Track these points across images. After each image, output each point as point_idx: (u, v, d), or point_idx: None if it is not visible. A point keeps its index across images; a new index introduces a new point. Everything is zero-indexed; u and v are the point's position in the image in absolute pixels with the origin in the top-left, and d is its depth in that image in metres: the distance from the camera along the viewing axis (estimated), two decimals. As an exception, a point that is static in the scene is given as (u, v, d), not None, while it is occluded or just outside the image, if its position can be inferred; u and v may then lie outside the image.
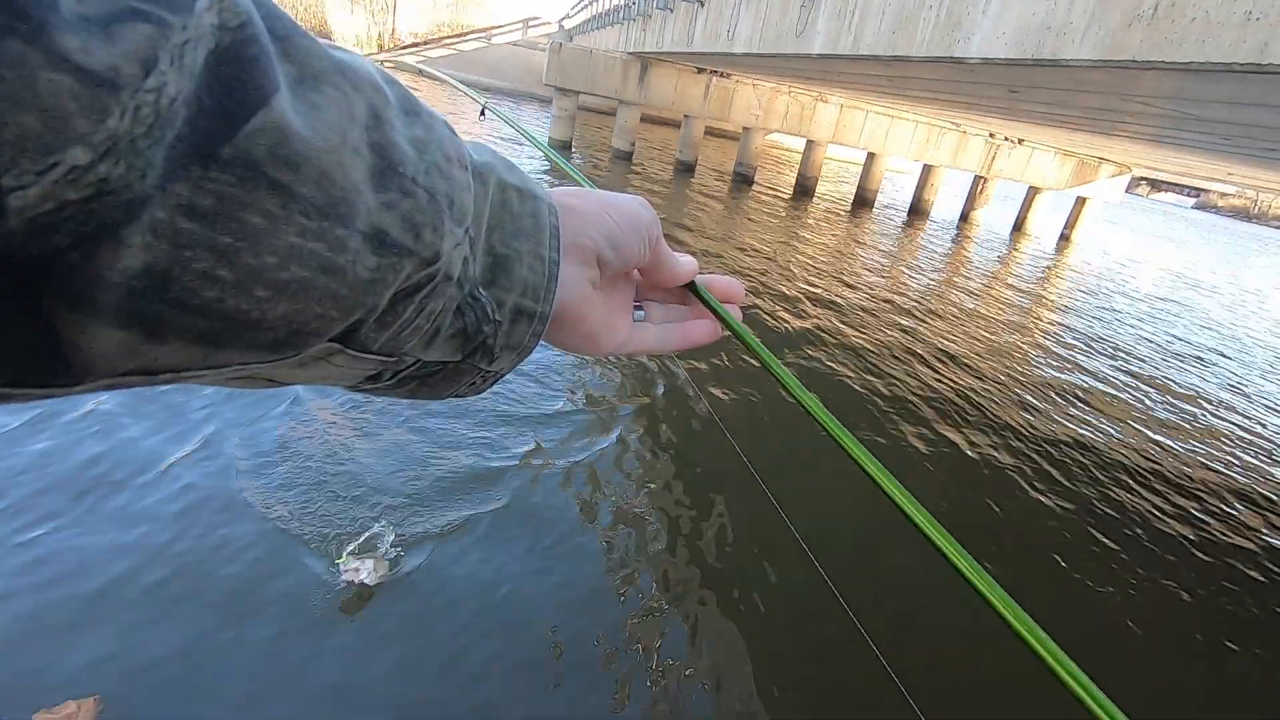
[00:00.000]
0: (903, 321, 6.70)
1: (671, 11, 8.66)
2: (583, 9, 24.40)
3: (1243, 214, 58.45)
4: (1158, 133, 6.03)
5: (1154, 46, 1.99)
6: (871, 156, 15.08)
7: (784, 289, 6.91)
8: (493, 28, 31.16)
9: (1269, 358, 9.41)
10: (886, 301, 7.33)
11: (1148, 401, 6.17)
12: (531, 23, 32.10)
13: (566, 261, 0.35)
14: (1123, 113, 4.92)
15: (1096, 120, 6.03)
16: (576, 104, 14.01)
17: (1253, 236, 42.27)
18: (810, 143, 14.60)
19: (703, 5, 7.20)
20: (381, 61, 28.11)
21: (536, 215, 0.32)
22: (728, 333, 0.44)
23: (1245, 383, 7.68)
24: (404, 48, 29.49)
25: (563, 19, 31.93)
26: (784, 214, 12.13)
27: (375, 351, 0.27)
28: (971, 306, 8.08)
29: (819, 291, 7.11)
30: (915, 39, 3.21)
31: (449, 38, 29.47)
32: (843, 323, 6.21)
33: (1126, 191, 23.03)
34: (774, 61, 6.12)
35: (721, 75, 13.24)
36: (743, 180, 14.67)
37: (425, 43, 29.31)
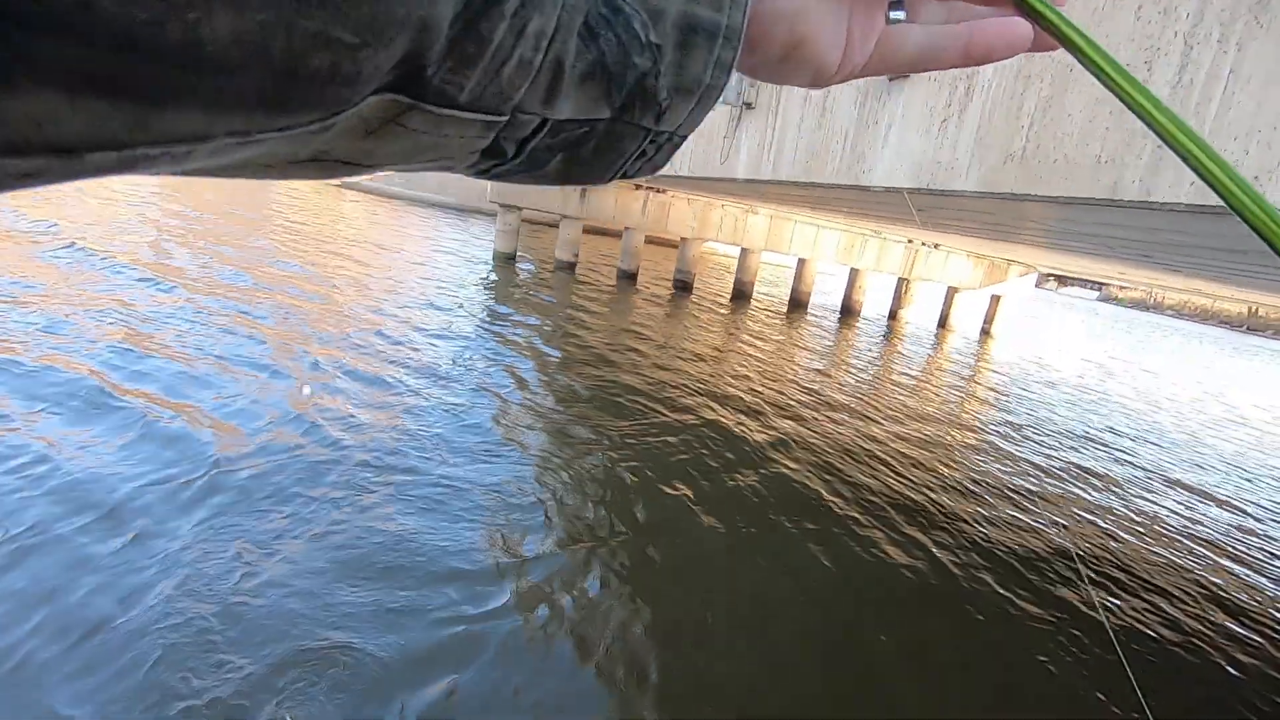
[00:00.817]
0: (847, 419, 6.91)
1: (608, 137, 9.26)
2: (525, 131, 25.85)
3: (1141, 304, 63.53)
4: (1051, 242, 6.65)
5: (1026, 182, 2.26)
6: (802, 262, 15.98)
7: (731, 391, 7.08)
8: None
9: (1178, 437, 10.00)
10: (829, 400, 7.58)
11: (1088, 489, 6.43)
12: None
13: None
14: (1018, 227, 5.44)
15: (997, 231, 6.62)
16: (520, 218, 14.55)
17: (1152, 325, 45.72)
18: (744, 250, 15.42)
19: (636, 132, 7.75)
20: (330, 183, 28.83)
21: None
22: (1049, 46, 0.28)
23: (1169, 466, 8.11)
24: (351, 167, 30.37)
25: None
26: (725, 318, 12.59)
27: (466, 106, 0.19)
28: (912, 403, 8.42)
29: (765, 393, 7.30)
30: (826, 169, 3.53)
31: (396, 157, 30.57)
32: (788, 421, 6.36)
33: (1037, 287, 24.88)
34: (704, 182, 6.56)
35: (658, 191, 14.05)
36: (683, 287, 15.25)
37: (372, 162, 30.26)
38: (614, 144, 0.23)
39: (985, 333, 17.87)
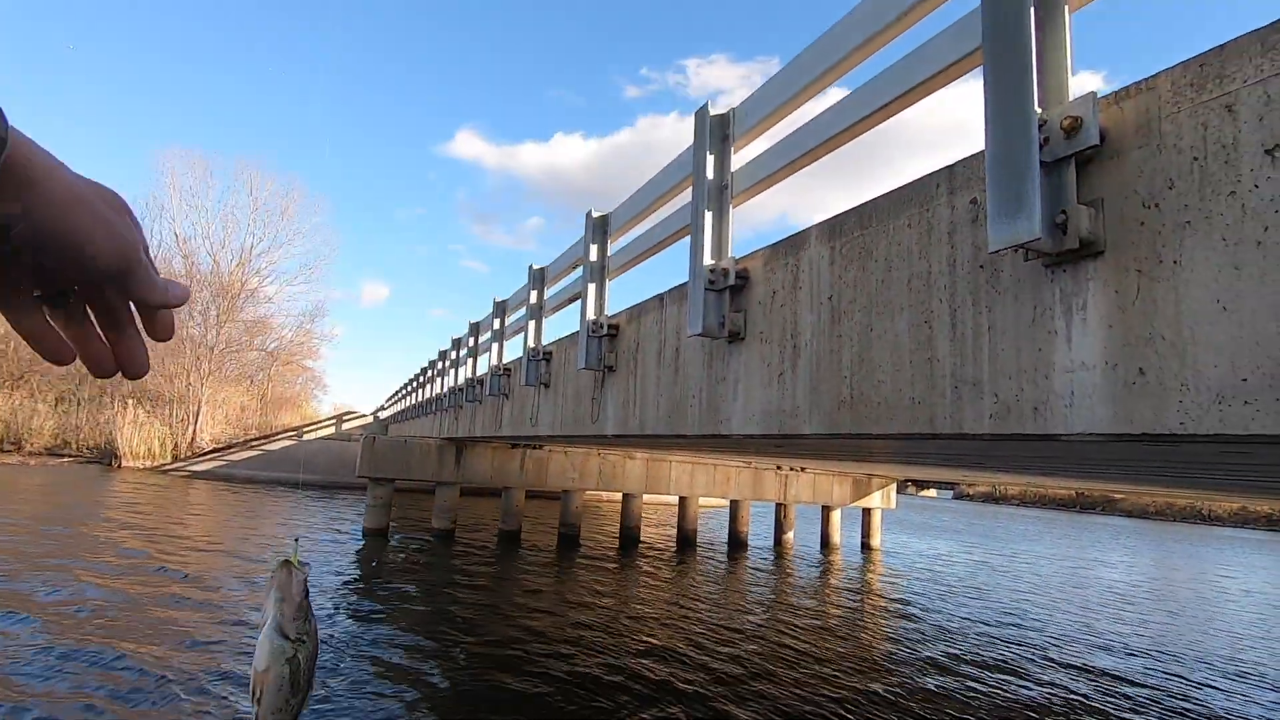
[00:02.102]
0: (751, 661, 6.54)
1: (480, 403, 9.50)
2: (396, 402, 25.90)
3: (989, 498, 69.23)
4: (900, 458, 7.29)
5: (857, 423, 2.52)
6: (683, 500, 16.24)
7: (629, 647, 6.57)
8: (304, 425, 31.57)
9: (1059, 618, 10.32)
10: (730, 644, 7.21)
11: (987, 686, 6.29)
12: (346, 417, 33.15)
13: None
14: (869, 451, 5.96)
15: (853, 456, 7.20)
16: (392, 490, 13.94)
17: (999, 514, 49.48)
18: (627, 495, 15.50)
19: (508, 398, 8.02)
20: (169, 471, 26.54)
21: None
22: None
23: (1063, 651, 8.23)
24: (203, 455, 28.40)
25: (376, 410, 33.40)
26: (614, 568, 12.15)
27: None
28: (809, 635, 8.19)
29: (665, 645, 6.84)
30: (688, 421, 3.78)
31: (255, 439, 29.10)
32: (692, 669, 5.90)
33: (899, 493, 26.61)
34: (578, 438, 6.75)
35: (535, 447, 14.21)
36: (569, 540, 14.79)
37: (228, 447, 28.56)
38: None
39: (866, 546, 18.43)
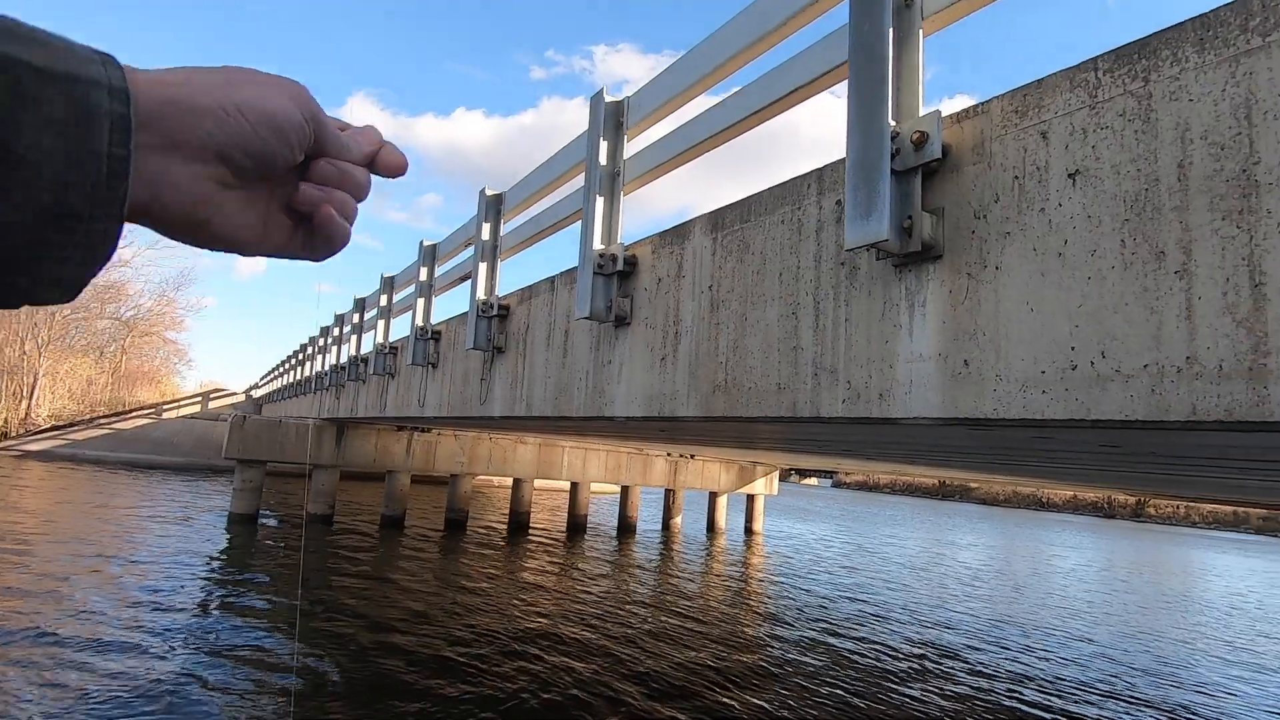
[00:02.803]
0: (635, 640, 6.72)
1: (364, 382, 9.10)
2: (272, 380, 24.28)
3: (864, 485, 74.19)
4: (781, 445, 7.69)
5: (731, 407, 2.67)
6: (575, 486, 16.31)
7: (509, 630, 6.57)
8: (164, 403, 28.95)
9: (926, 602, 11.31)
10: (614, 623, 7.37)
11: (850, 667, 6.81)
12: (214, 395, 30.68)
13: (171, 158, 0.31)
14: (753, 436, 6.26)
15: (736, 442, 7.52)
16: (264, 473, 13.10)
17: (871, 500, 53.26)
18: (518, 480, 15.37)
19: (393, 377, 7.74)
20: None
21: (79, 103, 0.27)
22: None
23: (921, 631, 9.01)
24: (39, 433, 25.39)
25: (250, 388, 31.15)
26: (502, 553, 12.05)
27: None
28: (695, 613, 8.51)
29: (550, 628, 6.89)
30: (574, 404, 3.82)
31: (104, 417, 26.35)
32: (578, 657, 6.00)
33: (782, 480, 28.01)
34: (465, 420, 6.63)
35: (423, 430, 13.78)
36: (456, 525, 14.50)
37: (70, 425, 25.70)
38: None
39: (749, 530, 19.28)
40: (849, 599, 10.57)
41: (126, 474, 21.10)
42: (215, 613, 6.76)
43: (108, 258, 0.30)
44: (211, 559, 9.37)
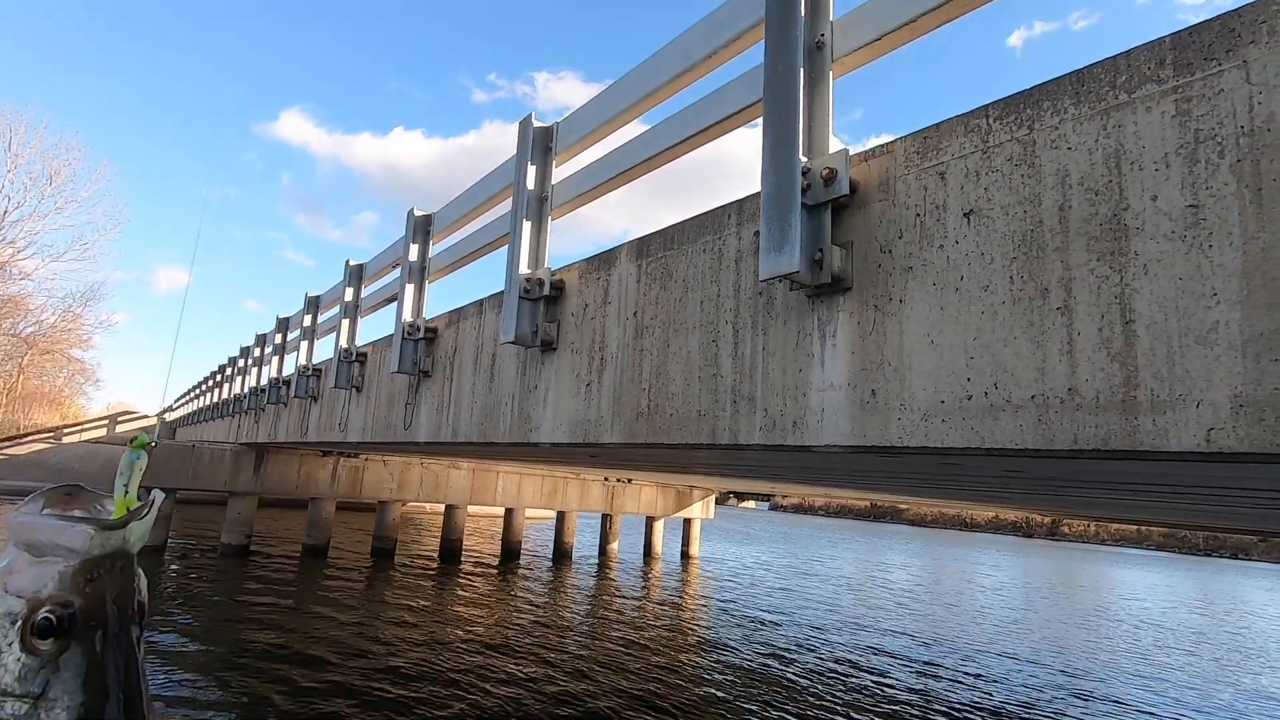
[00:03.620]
0: (566, 665, 6.56)
1: (285, 405, 8.71)
2: (187, 402, 23.00)
3: (800, 508, 75.57)
4: (713, 470, 7.75)
5: (653, 434, 2.66)
6: (510, 511, 15.97)
7: (442, 668, 6.31)
8: (65, 426, 26.94)
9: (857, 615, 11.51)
10: (546, 657, 7.19)
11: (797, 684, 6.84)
12: (122, 418, 28.79)
13: None
14: (685, 461, 6.27)
15: (669, 466, 7.53)
16: (174, 502, 12.30)
17: (806, 523, 54.23)
18: (450, 506, 14.93)
19: (316, 400, 7.44)
20: None
21: None
22: None
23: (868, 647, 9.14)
24: (-84, 458, 23.16)
25: (163, 411, 29.38)
26: (433, 582, 11.64)
27: None
28: (632, 638, 8.40)
29: (482, 665, 6.66)
30: (500, 430, 3.75)
31: (-5, 441, 24.29)
32: (514, 685, 5.80)
33: (719, 504, 28.20)
34: (390, 445, 6.41)
35: (349, 455, 13.26)
36: (383, 554, 13.94)
37: (-46, 450, 23.56)
38: None
39: (685, 555, 19.27)
40: (786, 621, 10.66)
41: (14, 504, 19.43)
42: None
43: None
44: (109, 595, 8.68)
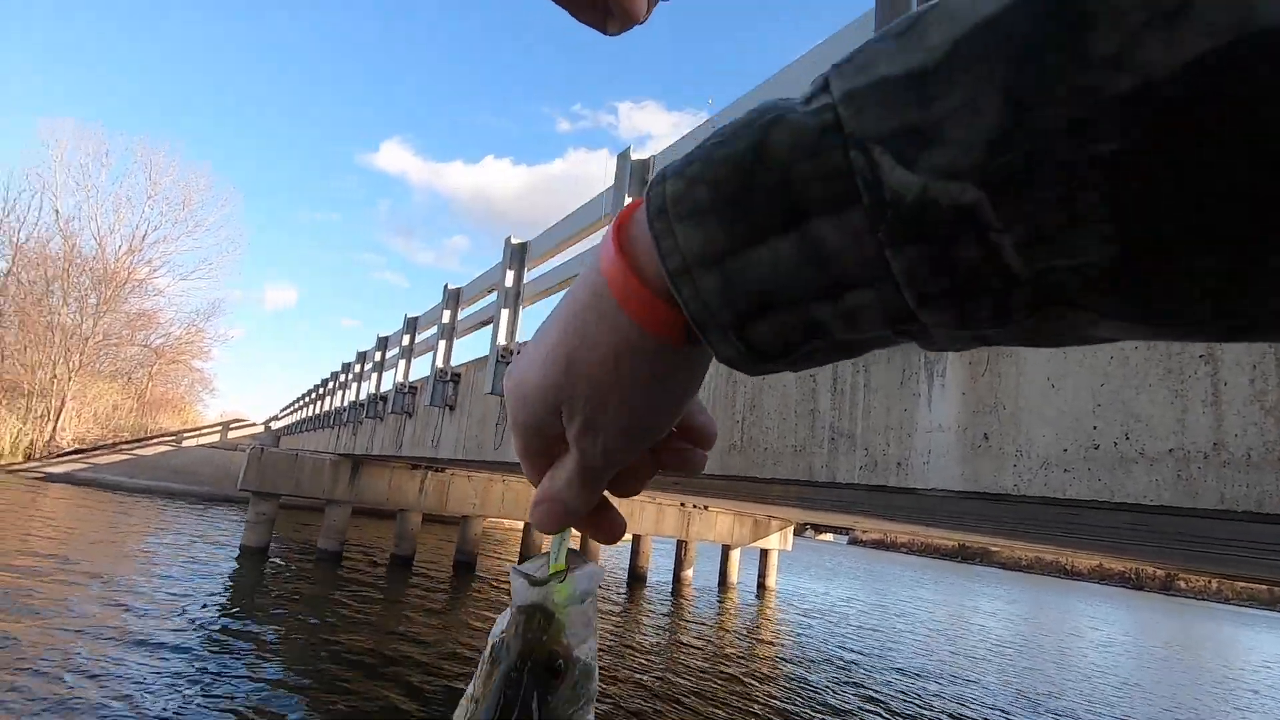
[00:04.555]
0: (653, 699, 6.51)
1: (381, 420, 9.17)
2: (292, 413, 24.54)
3: (881, 544, 72.38)
4: (795, 502, 7.58)
5: (746, 467, 2.64)
6: (587, 532, 16.10)
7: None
8: (185, 431, 29.32)
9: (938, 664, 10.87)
10: (622, 676, 7.16)
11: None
12: (234, 425, 31.04)
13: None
14: (765, 493, 6.17)
15: (750, 496, 7.43)
16: (277, 506, 13.12)
17: (888, 560, 51.87)
18: (528, 524, 15.21)
19: (411, 416, 7.80)
20: (17, 471, 23.92)
21: None
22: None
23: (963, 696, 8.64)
24: (62, 455, 25.78)
25: (269, 420, 31.48)
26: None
27: None
28: (715, 667, 8.26)
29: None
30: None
31: (126, 442, 26.73)
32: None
33: (798, 535, 27.43)
34: (481, 463, 6.63)
35: (437, 469, 13.78)
36: (465, 567, 14.33)
37: (93, 449, 26.08)
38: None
39: (762, 586, 18.80)
40: (876, 665, 10.20)
41: (145, 500, 21.26)
42: (216, 647, 6.69)
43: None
44: (220, 591, 9.33)
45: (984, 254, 0.22)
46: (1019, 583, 44.00)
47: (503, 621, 0.42)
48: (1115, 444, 1.58)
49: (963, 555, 66.93)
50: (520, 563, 0.43)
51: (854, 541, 78.34)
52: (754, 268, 0.25)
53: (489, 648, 0.41)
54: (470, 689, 0.41)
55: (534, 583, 0.41)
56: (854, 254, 0.23)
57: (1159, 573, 53.77)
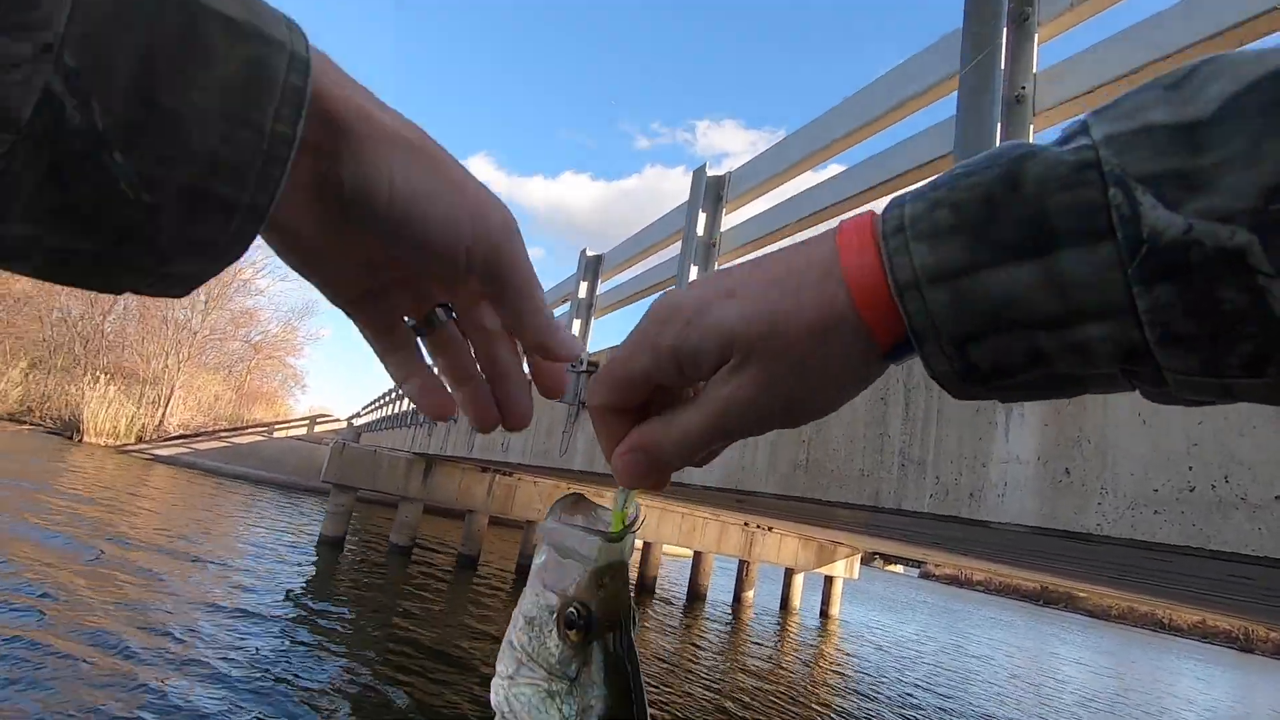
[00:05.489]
0: (699, 713, 6.44)
1: (455, 421, 9.48)
2: (372, 411, 25.69)
3: (954, 580, 68.91)
4: (863, 529, 7.34)
5: (811, 488, 2.60)
6: (648, 545, 16.09)
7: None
8: (276, 422, 31.17)
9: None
10: (678, 692, 7.10)
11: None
12: (320, 419, 32.76)
13: (320, 178, 0.25)
14: (832, 516, 6.02)
15: (815, 519, 7.25)
16: (355, 499, 13.75)
17: (961, 598, 49.28)
18: (591, 533, 15.33)
19: (482, 420, 8.03)
20: (130, 452, 26.02)
21: (256, 64, 0.22)
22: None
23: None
24: (168, 439, 27.90)
25: (352, 416, 33.05)
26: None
27: None
28: (779, 694, 8.09)
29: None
30: (652, 466, 3.83)
31: (224, 430, 28.67)
32: None
33: (865, 564, 26.51)
34: (548, 470, 6.76)
35: (505, 473, 14.11)
36: (527, 571, 14.47)
37: (195, 435, 28.10)
38: (106, 271, 0.23)
39: (825, 614, 18.25)
40: (952, 709, 9.72)
41: (238, 485, 22.73)
42: (291, 625, 7.06)
43: (235, 258, 0.24)
44: (300, 575, 9.86)
45: (1249, 299, 0.21)
46: (1106, 632, 40.94)
47: (550, 580, 0.38)
48: (1213, 487, 1.47)
49: (1045, 599, 62.87)
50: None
51: (926, 575, 74.94)
52: (988, 289, 0.25)
53: (545, 610, 0.37)
54: (515, 652, 0.38)
55: (610, 538, 0.39)
56: (1098, 287, 0.24)
57: (1272, 634, 48.87)
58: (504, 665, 0.38)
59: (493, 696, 0.38)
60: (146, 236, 0.22)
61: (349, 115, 0.25)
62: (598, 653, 0.37)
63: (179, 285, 0.25)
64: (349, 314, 0.32)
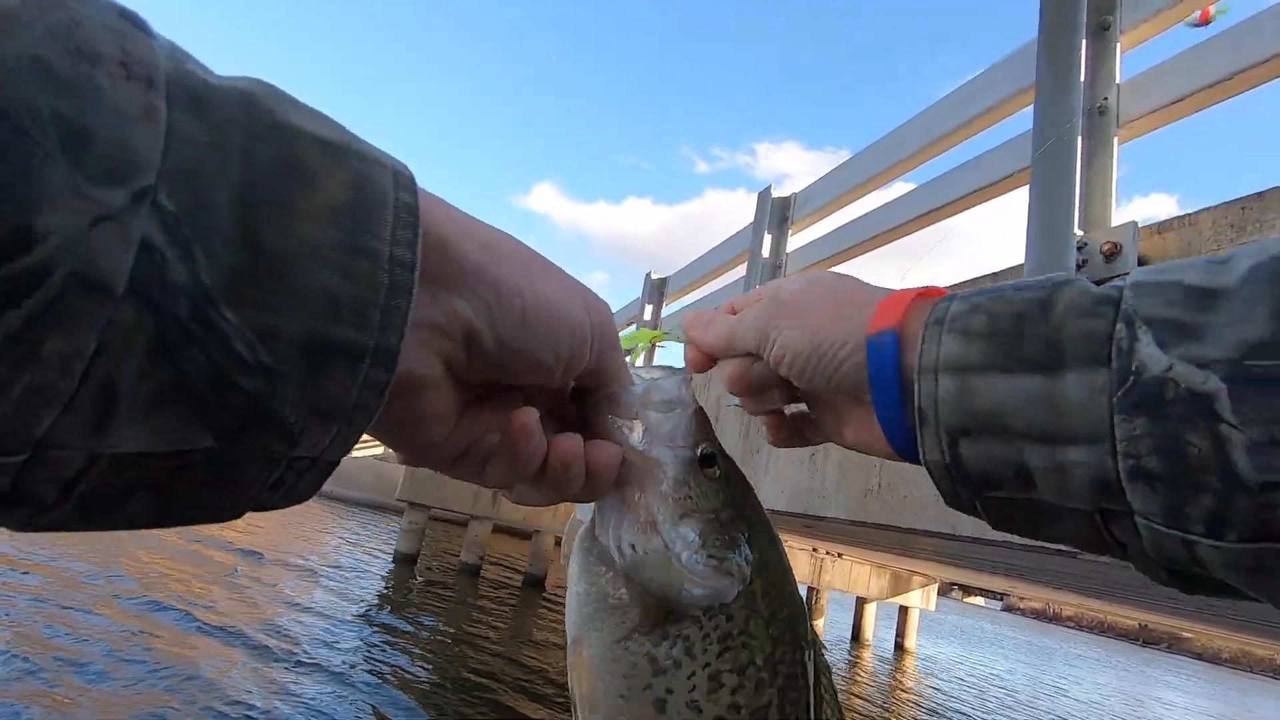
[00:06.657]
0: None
1: (523, 443, 9.68)
2: (445, 431, 26.41)
3: (1042, 614, 64.74)
4: (941, 558, 7.04)
5: (883, 513, 2.53)
6: (713, 569, 15.86)
7: None
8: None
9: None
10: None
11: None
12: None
13: (429, 309, 0.23)
14: (909, 544, 5.80)
15: (890, 547, 7.00)
16: (427, 517, 14.17)
17: (1049, 633, 46.20)
18: (656, 556, 15.25)
19: (550, 441, 8.16)
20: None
21: (362, 184, 0.19)
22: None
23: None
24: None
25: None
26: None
27: None
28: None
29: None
30: (718, 489, 3.80)
31: (307, 450, 30.03)
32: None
33: (942, 595, 25.26)
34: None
35: (570, 494, 14.23)
36: (592, 593, 14.59)
37: (281, 454, 29.54)
38: (229, 474, 0.19)
39: (900, 647, 17.49)
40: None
41: (316, 501, 23.81)
42: (366, 636, 7.30)
43: (364, 424, 0.21)
44: (375, 589, 10.22)
45: (1212, 446, 0.22)
46: (1215, 677, 37.49)
47: (666, 436, 0.36)
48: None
49: (1145, 638, 58.20)
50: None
51: (1009, 608, 70.78)
52: (993, 390, 0.28)
53: (684, 463, 0.36)
54: (664, 517, 0.35)
55: (675, 371, 0.41)
56: (1087, 410, 0.25)
57: None
58: (649, 540, 0.36)
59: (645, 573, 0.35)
60: (270, 411, 0.18)
61: (455, 233, 0.23)
62: (724, 482, 0.41)
63: (311, 477, 0.21)
64: (451, 474, 0.30)
